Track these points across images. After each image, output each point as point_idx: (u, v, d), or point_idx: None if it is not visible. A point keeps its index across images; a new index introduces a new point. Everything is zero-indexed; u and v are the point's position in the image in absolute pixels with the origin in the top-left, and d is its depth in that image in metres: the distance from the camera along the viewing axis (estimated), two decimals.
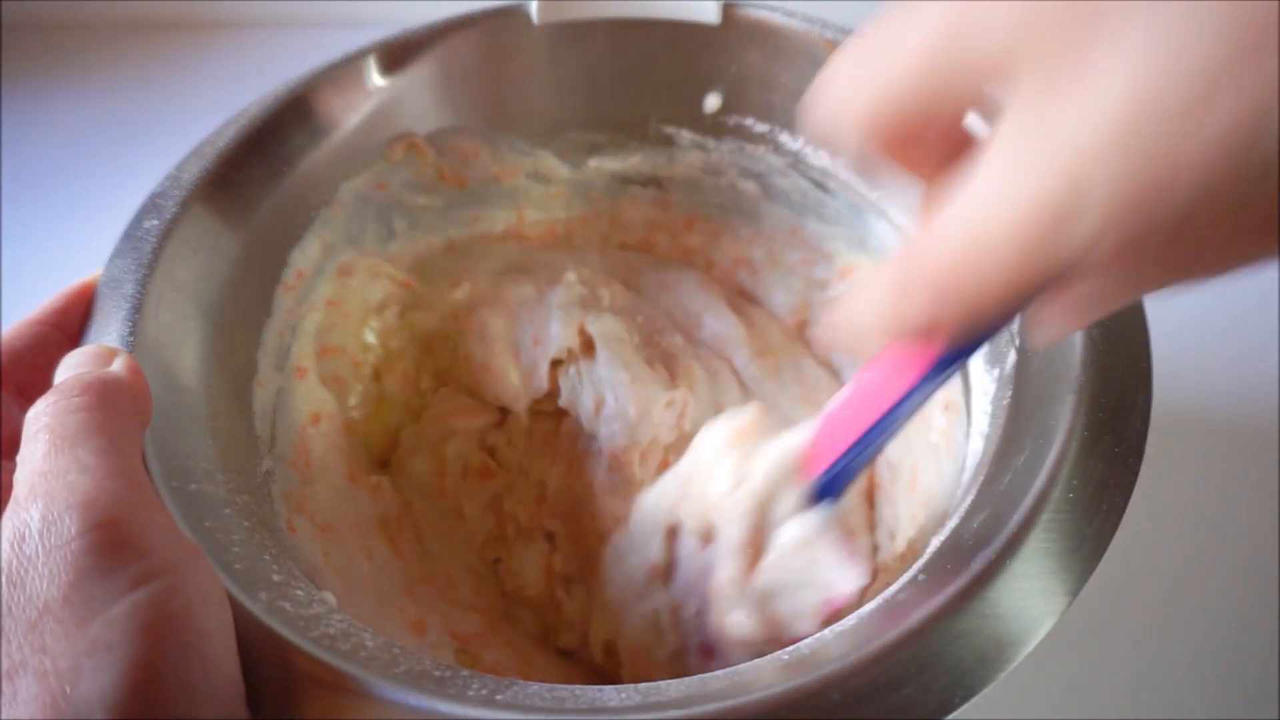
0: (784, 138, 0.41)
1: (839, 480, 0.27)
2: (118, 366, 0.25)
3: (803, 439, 0.28)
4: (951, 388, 0.37)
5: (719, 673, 0.24)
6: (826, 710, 0.22)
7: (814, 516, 0.28)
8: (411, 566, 0.36)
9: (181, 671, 0.20)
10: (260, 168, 0.36)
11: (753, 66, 0.40)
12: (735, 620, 0.29)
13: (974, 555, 0.24)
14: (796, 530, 0.28)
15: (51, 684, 0.19)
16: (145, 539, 0.21)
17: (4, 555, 0.20)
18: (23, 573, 0.20)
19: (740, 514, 0.29)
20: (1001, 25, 0.16)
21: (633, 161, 0.44)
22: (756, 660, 0.25)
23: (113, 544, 0.20)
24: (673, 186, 0.45)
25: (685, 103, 0.42)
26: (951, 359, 0.23)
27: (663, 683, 0.24)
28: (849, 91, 0.19)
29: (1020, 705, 0.38)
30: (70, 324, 0.30)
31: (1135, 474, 0.26)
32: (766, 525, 0.29)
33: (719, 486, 0.30)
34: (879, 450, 0.26)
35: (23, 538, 0.20)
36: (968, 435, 0.34)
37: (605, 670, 0.35)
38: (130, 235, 0.32)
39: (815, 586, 0.28)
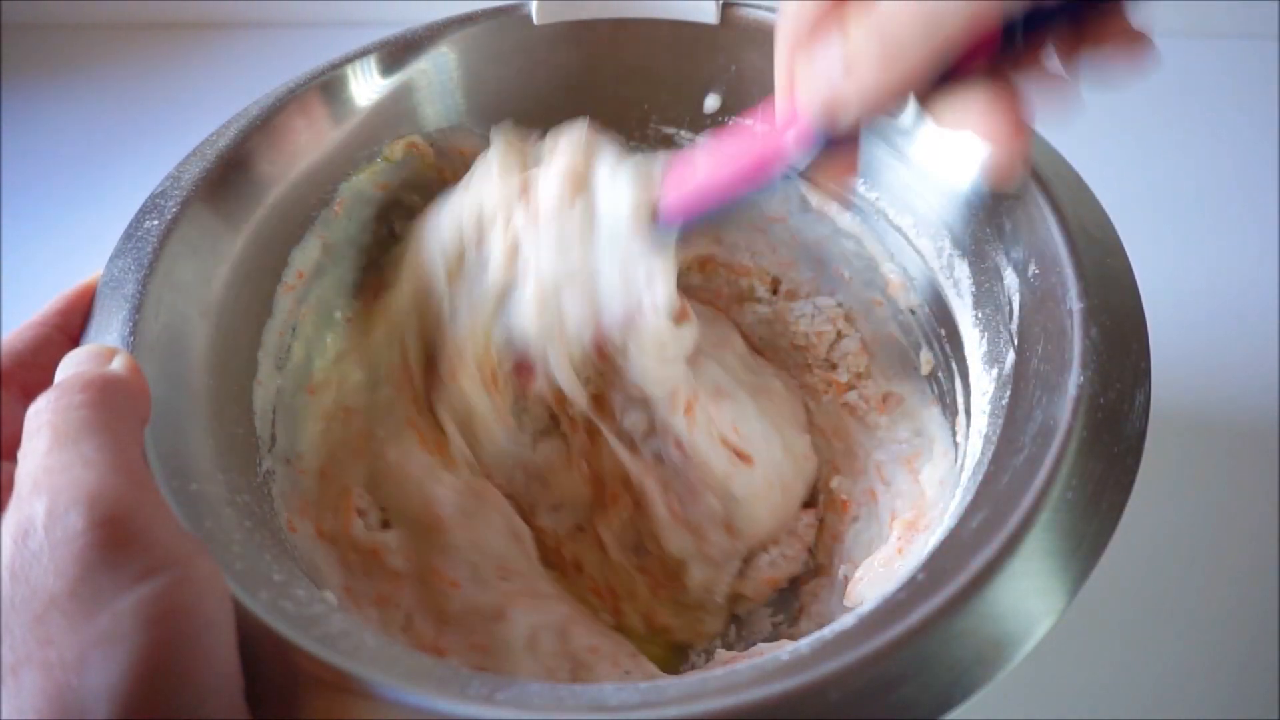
0: None
1: (686, 223, 0.31)
2: (117, 365, 0.25)
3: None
4: (952, 388, 0.37)
5: (718, 671, 0.24)
6: (826, 709, 0.22)
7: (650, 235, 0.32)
8: None
9: (186, 665, 0.20)
10: (260, 168, 0.36)
11: (752, 66, 0.40)
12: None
13: (973, 555, 0.24)
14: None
15: (56, 676, 0.19)
16: (150, 533, 0.21)
17: (6, 551, 0.20)
18: (27, 567, 0.20)
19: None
20: None
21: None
22: (757, 660, 0.25)
23: (118, 538, 0.20)
24: None
25: (685, 103, 0.42)
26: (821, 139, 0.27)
27: (662, 681, 0.24)
28: None
29: (1019, 705, 0.38)
30: (72, 325, 0.30)
31: (1134, 473, 0.26)
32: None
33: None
34: (731, 209, 0.30)
35: (26, 533, 0.20)
36: (967, 435, 0.34)
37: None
38: (131, 235, 0.32)
39: (630, 292, 0.34)
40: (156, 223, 0.32)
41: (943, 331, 0.37)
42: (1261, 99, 0.63)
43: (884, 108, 0.25)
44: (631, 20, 0.40)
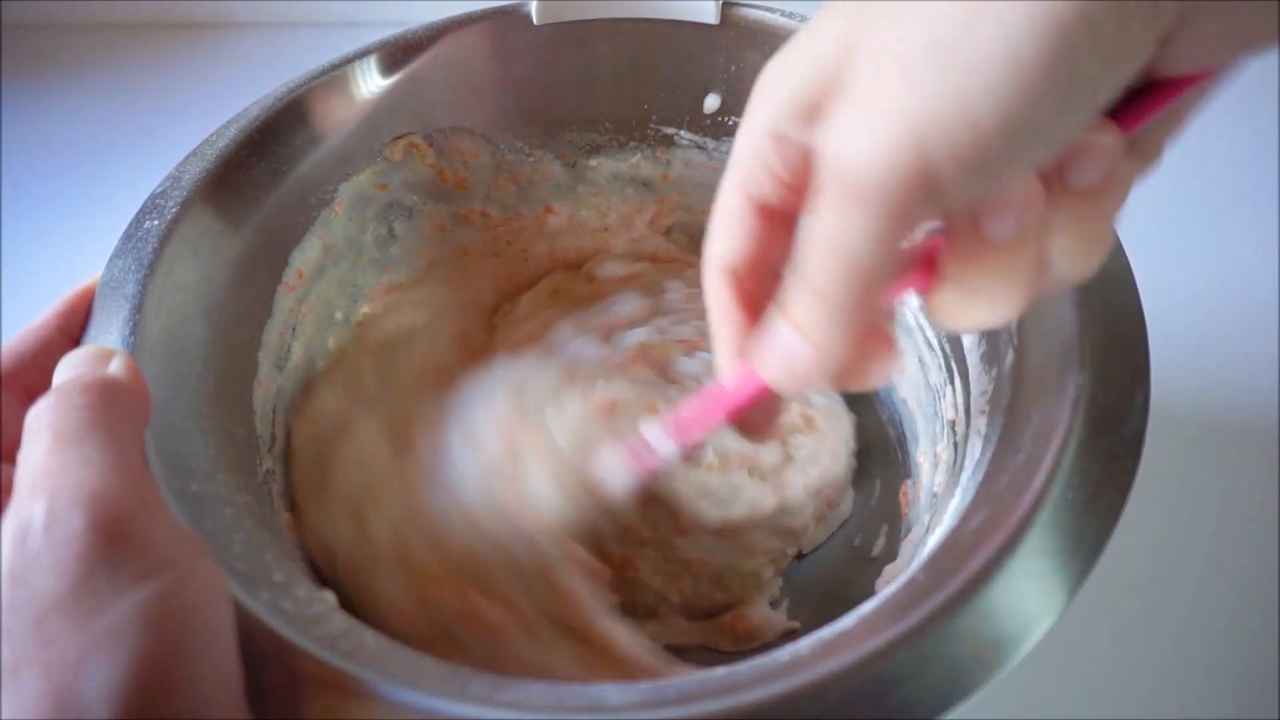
0: None
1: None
2: (115, 367, 0.25)
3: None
4: (952, 388, 0.37)
5: (718, 671, 0.24)
6: (825, 709, 0.22)
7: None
8: None
9: (187, 666, 0.20)
10: (260, 168, 0.36)
11: (752, 66, 0.40)
12: None
13: (972, 555, 0.24)
14: None
15: (57, 678, 0.19)
16: (151, 534, 0.21)
17: (6, 553, 0.20)
18: (27, 569, 0.20)
19: None
20: None
21: (632, 162, 0.44)
22: (757, 660, 0.25)
23: (119, 539, 0.20)
24: (671, 187, 0.45)
25: (685, 103, 0.42)
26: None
27: (662, 682, 0.24)
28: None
29: (1018, 705, 0.38)
30: (74, 327, 0.30)
31: (1133, 474, 0.26)
32: None
33: None
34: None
35: (25, 534, 0.20)
36: (966, 435, 0.34)
37: None
38: (131, 236, 0.32)
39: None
40: (156, 223, 0.32)
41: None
42: (1261, 99, 0.63)
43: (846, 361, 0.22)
44: (631, 20, 0.40)
